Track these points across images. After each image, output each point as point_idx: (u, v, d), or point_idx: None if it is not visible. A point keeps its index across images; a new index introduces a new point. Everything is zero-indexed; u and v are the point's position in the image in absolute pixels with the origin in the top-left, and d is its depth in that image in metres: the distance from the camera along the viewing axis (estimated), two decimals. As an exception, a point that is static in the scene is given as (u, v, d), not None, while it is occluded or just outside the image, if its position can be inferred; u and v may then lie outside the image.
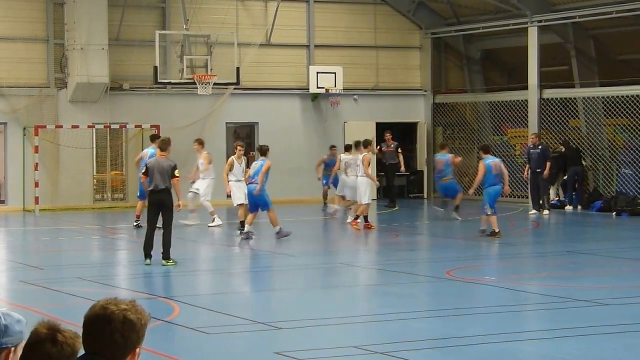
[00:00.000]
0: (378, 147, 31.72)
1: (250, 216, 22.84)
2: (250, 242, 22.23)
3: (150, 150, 25.01)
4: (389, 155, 31.70)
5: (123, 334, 4.03)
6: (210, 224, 25.81)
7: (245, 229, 22.80)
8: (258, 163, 22.92)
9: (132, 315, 4.07)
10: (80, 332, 4.13)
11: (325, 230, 27.64)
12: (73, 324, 4.23)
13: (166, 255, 18.66)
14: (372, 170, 28.21)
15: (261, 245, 22.40)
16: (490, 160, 23.29)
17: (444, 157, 27.69)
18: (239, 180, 24.22)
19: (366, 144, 25.55)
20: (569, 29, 31.89)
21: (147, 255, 18.78)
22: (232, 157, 24.74)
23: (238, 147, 24.60)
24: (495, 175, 23.03)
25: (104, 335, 4.02)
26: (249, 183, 22.83)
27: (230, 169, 24.35)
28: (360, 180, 25.02)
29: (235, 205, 24.49)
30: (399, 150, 31.81)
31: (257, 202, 22.68)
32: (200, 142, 26.58)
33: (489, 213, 22.92)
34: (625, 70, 31.17)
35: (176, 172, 18.84)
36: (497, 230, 22.77)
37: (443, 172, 27.60)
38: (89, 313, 4.09)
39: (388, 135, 32.02)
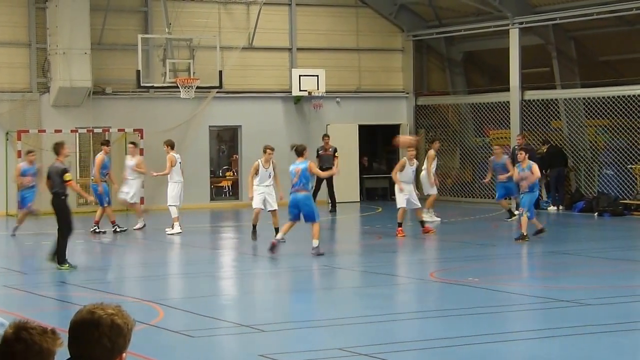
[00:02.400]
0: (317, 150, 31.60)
1: (287, 225, 20.73)
2: (275, 252, 20.54)
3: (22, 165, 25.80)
4: (326, 159, 31.43)
5: (111, 338, 4.06)
6: (169, 232, 24.91)
7: (279, 236, 20.81)
8: (299, 167, 20.58)
9: (119, 319, 4.10)
10: (66, 336, 4.15)
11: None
12: (58, 329, 4.27)
13: (60, 259, 18.58)
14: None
15: (245, 248, 22.42)
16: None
17: None
18: (267, 186, 22.84)
19: (433, 139, 25.83)
20: (550, 31, 32.04)
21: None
22: (259, 160, 23.19)
23: (267, 151, 23.06)
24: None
25: (92, 339, 4.04)
26: (295, 191, 20.57)
27: (256, 173, 22.97)
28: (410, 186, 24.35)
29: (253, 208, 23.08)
30: (336, 154, 31.61)
31: (304, 212, 20.52)
32: (169, 144, 25.70)
33: (527, 215, 22.95)
34: (606, 71, 31.35)
35: (65, 176, 18.80)
36: (525, 234, 22.83)
37: None
38: (75, 317, 4.11)
39: (326, 139, 31.79)
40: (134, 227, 25.68)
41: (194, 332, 12.61)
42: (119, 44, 31.77)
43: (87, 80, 30.58)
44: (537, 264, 20.36)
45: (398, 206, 24.14)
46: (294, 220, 20.75)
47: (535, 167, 23.11)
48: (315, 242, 20.30)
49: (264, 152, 23.20)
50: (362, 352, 11.23)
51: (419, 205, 24.45)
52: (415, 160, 24.50)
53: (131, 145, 26.95)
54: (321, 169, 30.90)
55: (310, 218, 20.46)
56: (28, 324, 4.10)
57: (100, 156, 25.73)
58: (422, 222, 24.57)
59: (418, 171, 25.21)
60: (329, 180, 31.18)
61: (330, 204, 31.49)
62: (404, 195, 24.00)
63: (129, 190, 26.11)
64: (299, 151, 20.93)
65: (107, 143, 26.42)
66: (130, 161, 26.47)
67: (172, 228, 24.92)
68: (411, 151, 24.49)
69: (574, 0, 30.87)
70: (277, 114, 34.25)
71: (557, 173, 30.93)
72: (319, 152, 31.49)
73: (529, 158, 29.21)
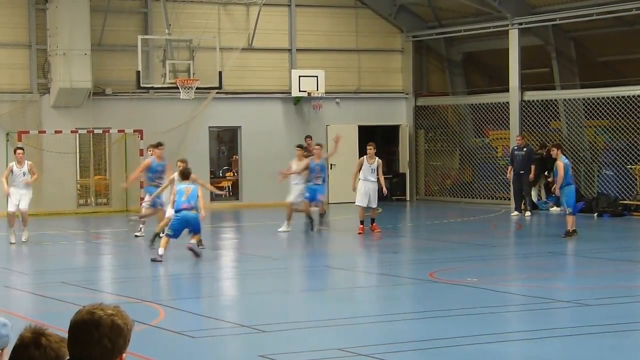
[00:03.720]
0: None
1: (165, 240, 20.08)
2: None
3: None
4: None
5: (111, 338, 4.04)
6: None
7: (160, 252, 19.95)
8: (190, 187, 20.13)
9: (119, 320, 4.08)
10: (65, 336, 4.15)
11: (308, 234, 27.71)
12: (58, 329, 4.30)
13: None
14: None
15: (244, 248, 22.44)
16: (565, 159, 23.79)
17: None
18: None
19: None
20: (550, 32, 32.06)
21: None
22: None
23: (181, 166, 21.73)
24: (571, 175, 23.73)
25: (92, 340, 4.02)
26: (186, 209, 19.95)
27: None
28: (377, 186, 24.67)
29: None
30: None
31: (193, 228, 20.31)
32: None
33: (568, 212, 23.29)
34: (606, 71, 31.35)
35: None
36: (573, 229, 23.19)
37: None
38: (75, 318, 4.09)
39: (308, 140, 31.67)
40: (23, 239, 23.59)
41: (194, 333, 12.61)
42: (119, 45, 31.78)
43: (87, 81, 30.59)
44: (536, 265, 20.34)
45: (356, 203, 24.80)
46: (175, 237, 20.23)
47: (559, 164, 23.33)
48: (194, 241, 20.24)
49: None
50: (362, 353, 11.24)
51: (375, 205, 24.79)
52: (376, 158, 24.69)
53: (20, 151, 24.04)
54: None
55: (198, 230, 20.38)
56: (47, 330, 4.13)
57: (147, 160, 24.40)
58: (372, 220, 24.98)
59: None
60: None
61: None
62: (364, 193, 24.51)
63: (23, 200, 23.58)
64: (186, 175, 20.63)
65: (157, 146, 24.16)
66: (19, 169, 23.66)
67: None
68: (370, 150, 24.80)
69: (573, 0, 30.88)
70: (277, 115, 34.28)
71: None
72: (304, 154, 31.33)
73: (528, 159, 29.43)
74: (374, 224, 24.91)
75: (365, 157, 24.79)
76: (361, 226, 24.82)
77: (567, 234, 23.18)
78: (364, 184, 24.61)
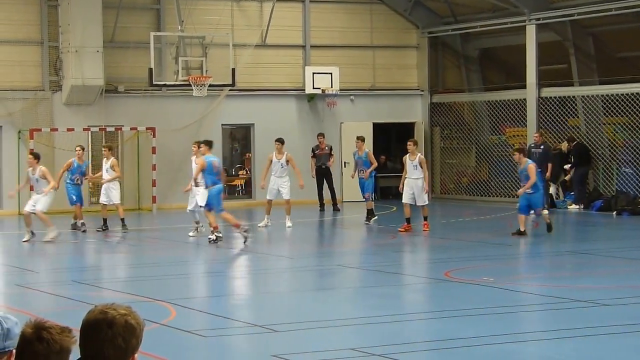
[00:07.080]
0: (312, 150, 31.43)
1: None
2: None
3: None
4: (324, 158, 31.22)
5: (125, 338, 4.05)
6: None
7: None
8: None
9: (132, 320, 4.10)
10: (66, 326, 4.12)
11: (321, 232, 27.52)
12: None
13: None
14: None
15: (257, 247, 22.27)
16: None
17: None
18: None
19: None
20: (568, 27, 31.77)
21: None
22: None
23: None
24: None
25: (106, 338, 4.03)
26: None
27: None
28: (419, 183, 24.66)
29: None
30: (332, 153, 31.49)
31: None
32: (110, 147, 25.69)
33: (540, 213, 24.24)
34: (625, 68, 31.07)
35: None
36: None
37: None
38: (88, 317, 4.10)
39: (321, 138, 31.49)
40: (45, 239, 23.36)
41: (206, 332, 12.53)
42: (132, 42, 31.65)
43: (99, 78, 30.48)
44: (553, 264, 20.12)
45: (403, 201, 24.86)
46: None
47: (531, 168, 23.29)
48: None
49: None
50: (376, 353, 11.08)
51: (424, 202, 24.66)
52: (417, 155, 24.80)
53: (30, 157, 24.53)
54: (319, 167, 30.97)
55: None
56: (47, 323, 4.12)
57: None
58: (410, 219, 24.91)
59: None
60: (329, 179, 31.07)
61: (332, 204, 31.29)
62: (408, 191, 24.61)
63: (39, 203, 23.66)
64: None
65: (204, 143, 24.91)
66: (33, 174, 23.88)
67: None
68: (410, 146, 24.96)
69: (591, -5, 30.62)
70: (291, 112, 34.09)
71: (583, 171, 30.51)
72: (315, 151, 31.26)
73: (545, 156, 29.13)
74: (425, 222, 24.71)
75: (407, 154, 24.88)
76: (405, 224, 24.66)
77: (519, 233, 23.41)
78: (407, 181, 24.75)
